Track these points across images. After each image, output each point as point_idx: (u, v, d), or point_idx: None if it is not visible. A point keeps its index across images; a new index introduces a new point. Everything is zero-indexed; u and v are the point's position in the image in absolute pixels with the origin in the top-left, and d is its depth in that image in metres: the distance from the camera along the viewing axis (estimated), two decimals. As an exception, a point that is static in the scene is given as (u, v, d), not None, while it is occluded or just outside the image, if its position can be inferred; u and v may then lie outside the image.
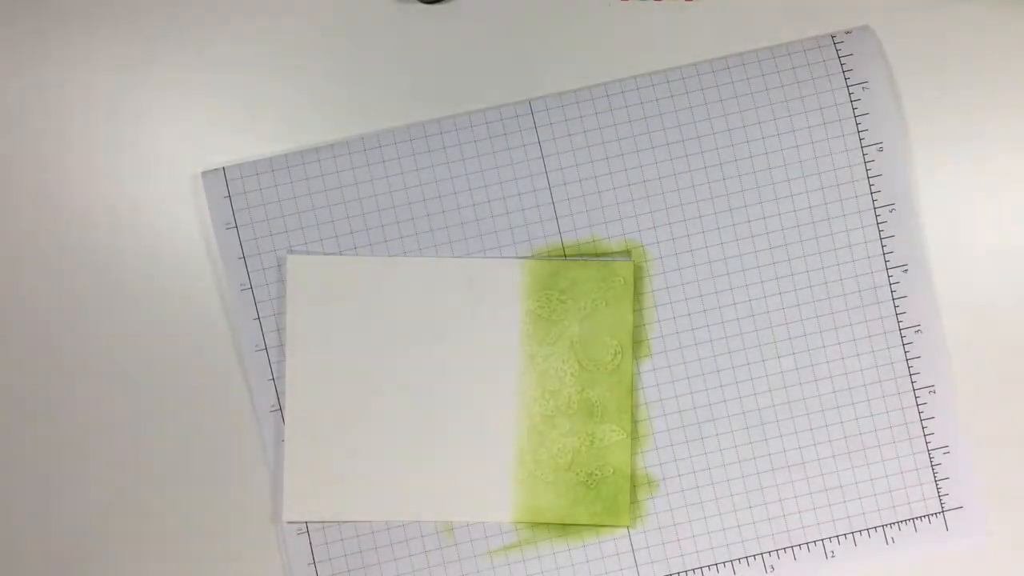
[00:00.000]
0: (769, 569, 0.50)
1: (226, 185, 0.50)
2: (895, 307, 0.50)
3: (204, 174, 0.50)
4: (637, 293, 0.50)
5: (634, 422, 0.50)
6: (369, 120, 0.50)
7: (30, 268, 0.50)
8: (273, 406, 0.50)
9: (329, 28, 0.51)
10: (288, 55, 0.51)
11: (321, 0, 0.51)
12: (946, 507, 0.50)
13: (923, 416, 0.49)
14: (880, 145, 0.50)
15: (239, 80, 0.51)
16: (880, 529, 0.49)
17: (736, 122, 0.50)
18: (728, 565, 0.50)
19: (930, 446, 0.49)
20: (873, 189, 0.50)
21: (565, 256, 0.50)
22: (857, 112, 0.50)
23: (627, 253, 0.50)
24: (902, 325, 0.50)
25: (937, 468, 0.49)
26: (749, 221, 0.50)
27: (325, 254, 0.50)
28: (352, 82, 0.51)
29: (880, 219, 0.50)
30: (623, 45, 0.51)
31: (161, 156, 0.51)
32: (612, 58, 0.51)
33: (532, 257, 0.50)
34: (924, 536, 0.49)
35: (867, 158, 0.50)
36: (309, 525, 0.50)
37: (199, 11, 0.51)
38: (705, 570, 0.50)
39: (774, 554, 0.50)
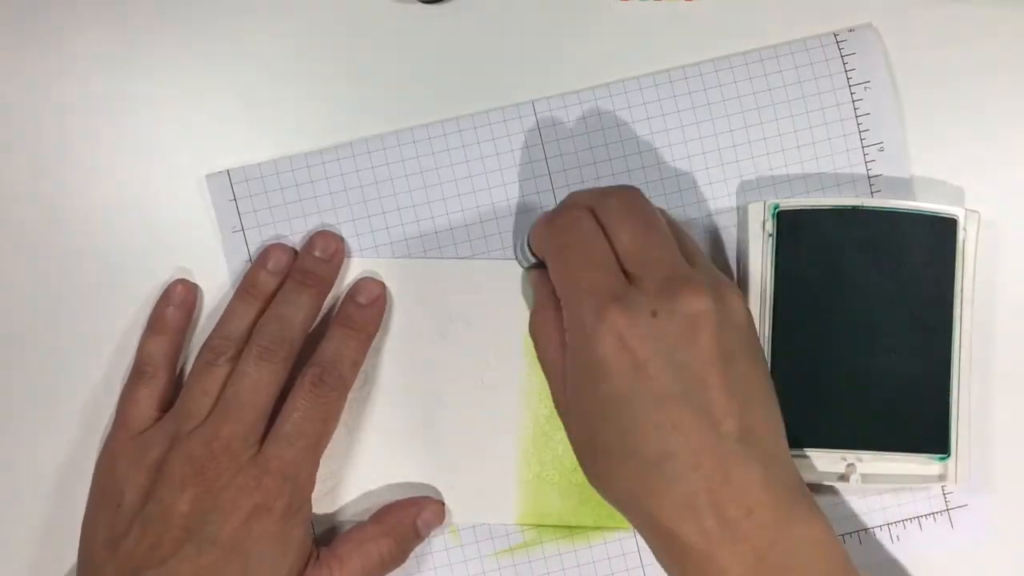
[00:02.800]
0: (775, 568, 0.50)
1: (231, 188, 0.50)
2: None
3: (208, 177, 0.50)
4: (641, 293, 0.50)
5: (639, 422, 0.50)
6: (370, 120, 0.50)
7: (32, 273, 0.50)
8: (278, 408, 0.50)
9: (329, 29, 0.51)
10: (289, 56, 0.51)
11: (321, 1, 0.51)
12: (951, 505, 0.50)
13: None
14: (881, 145, 0.50)
15: (240, 82, 0.51)
16: (885, 527, 0.50)
17: (738, 122, 0.50)
18: (734, 564, 0.50)
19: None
20: (873, 189, 0.50)
21: (569, 257, 0.50)
22: (858, 112, 0.50)
23: (631, 253, 0.50)
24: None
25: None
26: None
27: (330, 256, 0.50)
28: (353, 83, 0.51)
29: (883, 218, 0.50)
30: (623, 45, 0.51)
31: (164, 159, 0.51)
32: (612, 58, 0.51)
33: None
34: (929, 534, 0.50)
35: (868, 158, 0.50)
36: (314, 525, 0.49)
37: (200, 12, 0.51)
38: (711, 570, 0.50)
39: (780, 553, 0.50)
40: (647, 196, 0.45)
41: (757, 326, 0.48)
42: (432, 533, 0.49)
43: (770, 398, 0.43)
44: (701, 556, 0.40)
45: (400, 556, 0.48)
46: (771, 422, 0.43)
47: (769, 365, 0.48)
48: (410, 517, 0.48)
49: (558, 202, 0.50)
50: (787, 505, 0.41)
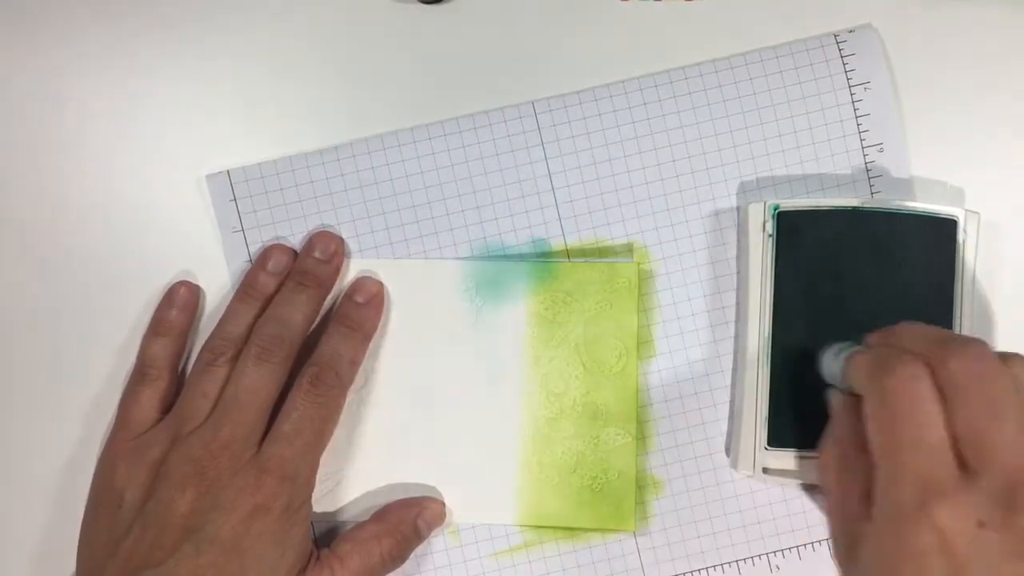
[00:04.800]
0: (774, 569, 0.50)
1: (231, 188, 0.50)
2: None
3: (208, 177, 0.50)
4: (641, 294, 0.50)
5: (639, 423, 0.50)
6: (371, 120, 0.50)
7: (32, 274, 0.50)
8: (278, 409, 0.50)
9: (329, 29, 0.51)
10: (289, 56, 0.51)
11: (321, 0, 0.51)
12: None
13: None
14: (881, 146, 0.50)
15: (240, 82, 0.51)
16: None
17: (738, 123, 0.50)
18: (734, 565, 0.49)
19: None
20: (874, 190, 0.50)
21: (569, 258, 0.50)
22: (859, 112, 0.50)
23: (631, 254, 0.50)
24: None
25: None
26: (753, 221, 0.50)
27: (329, 256, 0.50)
28: (353, 83, 0.51)
29: (883, 218, 0.50)
30: (623, 45, 0.51)
31: (164, 159, 0.51)
32: (612, 58, 0.51)
33: (536, 259, 0.50)
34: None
35: (867, 159, 0.50)
36: (315, 525, 0.49)
37: (199, 12, 0.51)
38: (711, 570, 0.49)
39: (779, 554, 0.50)
40: (992, 354, 0.39)
41: (757, 328, 0.48)
42: (433, 533, 0.49)
43: None
44: None
45: (401, 556, 0.48)
46: None
47: (768, 367, 0.48)
48: (411, 516, 0.48)
49: (558, 203, 0.50)
50: None
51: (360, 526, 0.48)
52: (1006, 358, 0.40)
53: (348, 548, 0.47)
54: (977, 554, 0.37)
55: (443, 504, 0.49)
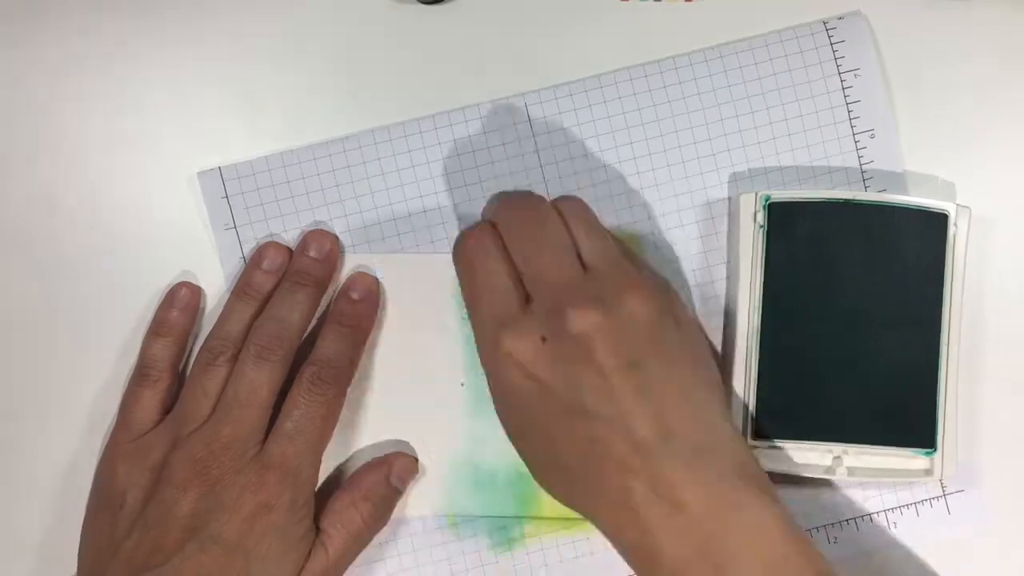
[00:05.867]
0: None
1: (223, 185, 0.50)
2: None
3: (200, 174, 0.50)
4: (635, 285, 0.50)
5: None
6: (368, 120, 0.50)
7: (26, 272, 0.50)
8: (275, 406, 0.50)
9: (328, 28, 0.51)
10: (286, 55, 0.51)
11: (321, 0, 0.51)
12: (947, 491, 0.50)
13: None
14: (872, 132, 0.50)
15: (236, 80, 0.51)
16: (882, 514, 0.50)
17: (729, 111, 0.50)
18: (731, 553, 0.50)
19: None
20: (865, 176, 0.50)
21: (562, 249, 0.50)
22: (849, 99, 0.50)
23: (621, 244, 0.50)
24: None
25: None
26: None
27: (323, 253, 0.50)
28: (351, 82, 0.51)
29: (874, 206, 0.50)
30: (623, 45, 0.51)
31: (157, 156, 0.51)
32: (612, 58, 0.50)
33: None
34: (926, 521, 0.50)
35: (859, 145, 0.50)
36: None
37: (196, 10, 0.51)
38: (708, 558, 0.50)
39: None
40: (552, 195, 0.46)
41: (746, 318, 0.48)
42: (410, 485, 0.49)
43: (693, 390, 0.43)
44: (644, 552, 0.41)
45: (382, 516, 0.48)
46: (697, 415, 0.43)
47: (757, 357, 0.48)
48: (382, 475, 0.48)
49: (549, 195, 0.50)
50: (724, 495, 0.41)
51: (335, 497, 0.48)
52: (556, 200, 0.47)
53: (329, 522, 0.47)
54: (545, 365, 0.42)
55: (412, 457, 0.49)
